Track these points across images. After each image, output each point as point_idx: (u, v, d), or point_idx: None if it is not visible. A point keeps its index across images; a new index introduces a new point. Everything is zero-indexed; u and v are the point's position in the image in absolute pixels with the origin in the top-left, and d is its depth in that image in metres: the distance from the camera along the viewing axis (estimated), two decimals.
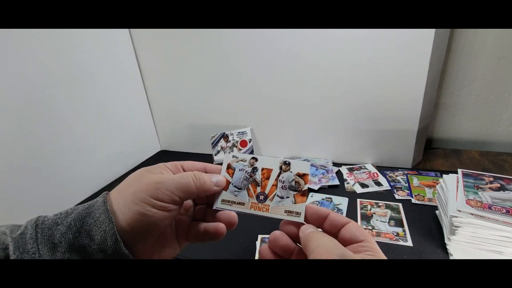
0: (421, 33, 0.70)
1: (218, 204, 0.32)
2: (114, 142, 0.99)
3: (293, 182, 0.32)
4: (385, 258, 0.25)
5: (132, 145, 1.06)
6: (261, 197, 0.33)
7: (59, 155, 0.81)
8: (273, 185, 0.33)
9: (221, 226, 0.32)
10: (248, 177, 0.33)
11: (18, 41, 0.70)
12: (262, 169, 0.33)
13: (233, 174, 0.34)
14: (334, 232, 0.28)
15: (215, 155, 1.02)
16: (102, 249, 0.25)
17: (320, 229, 0.29)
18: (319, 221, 0.29)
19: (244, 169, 0.34)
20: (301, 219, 0.30)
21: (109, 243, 0.25)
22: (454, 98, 0.95)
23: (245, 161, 0.34)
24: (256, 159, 0.34)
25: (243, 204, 0.32)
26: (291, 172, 0.33)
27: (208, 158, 1.03)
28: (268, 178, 0.33)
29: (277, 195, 0.32)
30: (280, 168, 0.33)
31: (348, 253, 0.24)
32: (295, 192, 0.32)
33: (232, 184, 0.33)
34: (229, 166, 0.34)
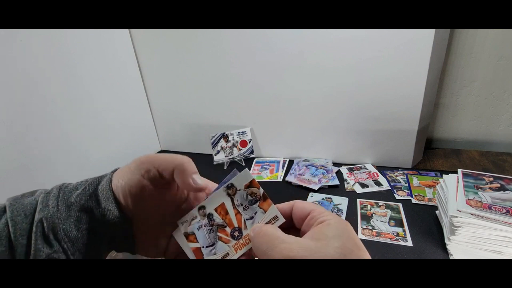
0: (421, 33, 0.70)
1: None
2: (114, 142, 0.99)
3: (248, 196, 0.30)
4: (337, 217, 0.26)
5: (132, 145, 1.06)
6: (236, 234, 0.30)
7: (58, 155, 0.81)
8: (236, 214, 0.30)
9: None
10: (210, 227, 0.31)
11: (18, 41, 0.70)
12: (216, 210, 0.31)
13: (195, 238, 0.31)
14: (303, 217, 0.28)
15: (215, 155, 1.02)
16: (104, 214, 0.29)
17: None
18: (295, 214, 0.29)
19: (201, 225, 0.31)
20: (282, 219, 0.29)
21: (110, 207, 0.29)
22: (454, 98, 0.95)
23: (195, 217, 0.31)
24: (203, 206, 0.31)
25: (227, 254, 0.30)
26: (239, 190, 0.31)
27: (208, 158, 1.04)
28: (226, 213, 0.31)
29: (246, 219, 0.30)
30: (228, 194, 0.31)
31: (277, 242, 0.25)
32: (257, 203, 0.30)
33: (204, 247, 0.30)
34: (186, 235, 0.31)
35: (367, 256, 0.25)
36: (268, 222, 0.29)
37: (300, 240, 0.24)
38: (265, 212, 0.30)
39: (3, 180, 0.68)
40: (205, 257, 0.30)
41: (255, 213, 0.30)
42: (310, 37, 0.81)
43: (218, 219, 0.31)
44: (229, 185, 0.31)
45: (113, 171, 0.32)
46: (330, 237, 0.24)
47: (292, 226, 0.29)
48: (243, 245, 0.30)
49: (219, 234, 0.30)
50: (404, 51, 0.73)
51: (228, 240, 0.30)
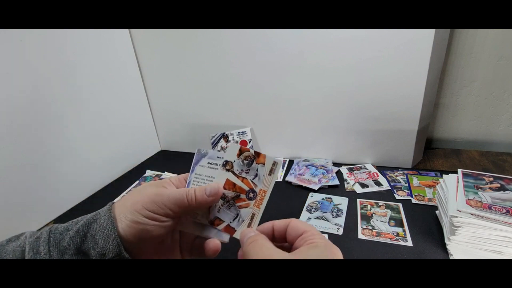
0: (421, 33, 0.70)
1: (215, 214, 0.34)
2: (114, 142, 0.99)
3: (244, 161, 0.33)
4: (327, 241, 0.26)
5: (132, 145, 1.06)
6: (251, 195, 0.33)
7: (58, 155, 0.81)
8: (242, 180, 0.33)
9: (217, 243, 0.34)
10: (227, 204, 0.34)
11: (18, 41, 0.70)
12: (224, 188, 0.33)
13: (220, 220, 0.34)
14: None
15: None
16: (103, 253, 0.27)
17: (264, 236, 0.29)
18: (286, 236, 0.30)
19: (218, 207, 0.34)
20: (280, 162, 0.33)
21: (110, 246, 0.28)
22: (454, 98, 0.95)
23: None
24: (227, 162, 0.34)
25: (254, 215, 0.33)
26: (234, 161, 0.34)
27: None
28: (234, 185, 0.33)
29: (252, 180, 0.34)
30: (228, 170, 0.34)
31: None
32: (254, 162, 0.33)
33: (231, 222, 0.33)
34: (212, 223, 0.34)
35: None
36: (270, 171, 0.33)
37: (284, 253, 0.25)
38: (264, 165, 0.33)
39: (3, 180, 0.68)
40: (236, 228, 0.33)
41: (257, 170, 0.33)
42: (310, 37, 0.80)
43: (229, 193, 0.33)
44: (224, 162, 0.34)
45: (110, 206, 0.31)
46: (310, 255, 0.24)
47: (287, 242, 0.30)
48: (261, 200, 0.33)
49: (237, 204, 0.33)
50: (404, 51, 0.73)
51: (248, 204, 0.33)
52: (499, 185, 0.56)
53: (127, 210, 0.30)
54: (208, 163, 0.36)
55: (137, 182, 0.94)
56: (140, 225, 0.29)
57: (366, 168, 0.89)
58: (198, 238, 0.35)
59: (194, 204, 0.31)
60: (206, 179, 0.35)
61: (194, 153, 0.37)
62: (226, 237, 0.34)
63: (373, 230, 0.64)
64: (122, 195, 0.87)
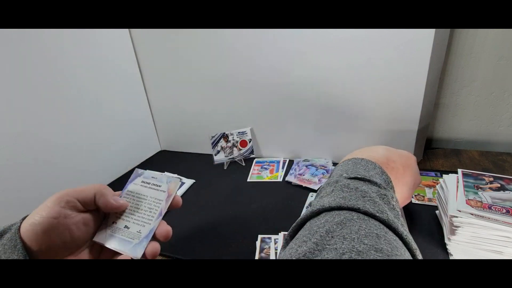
0: (421, 33, 0.70)
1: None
2: (114, 142, 0.99)
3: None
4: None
5: (132, 145, 1.06)
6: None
7: (58, 155, 0.81)
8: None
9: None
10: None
11: (18, 41, 0.70)
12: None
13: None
14: None
15: (215, 155, 1.02)
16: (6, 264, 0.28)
17: None
18: None
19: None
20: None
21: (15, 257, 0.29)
22: (454, 98, 0.95)
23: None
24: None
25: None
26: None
27: (208, 158, 1.04)
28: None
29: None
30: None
31: None
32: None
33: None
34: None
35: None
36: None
37: None
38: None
39: (3, 180, 0.68)
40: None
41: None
42: (310, 37, 0.80)
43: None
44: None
45: (22, 219, 0.34)
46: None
47: None
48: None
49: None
50: (404, 51, 0.73)
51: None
52: (499, 185, 0.56)
53: (38, 210, 0.34)
54: (142, 182, 0.41)
55: None
56: (56, 216, 0.33)
57: None
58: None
59: (106, 194, 0.36)
60: (137, 196, 0.41)
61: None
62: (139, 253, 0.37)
63: None
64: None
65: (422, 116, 0.80)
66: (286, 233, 0.33)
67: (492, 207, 0.51)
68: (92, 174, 0.91)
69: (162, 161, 1.12)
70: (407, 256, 0.26)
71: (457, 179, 0.60)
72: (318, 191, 0.38)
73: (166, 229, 0.38)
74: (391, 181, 0.38)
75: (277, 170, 0.94)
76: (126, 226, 0.38)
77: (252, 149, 1.02)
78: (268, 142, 1.03)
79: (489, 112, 0.93)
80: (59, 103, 0.80)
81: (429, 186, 0.77)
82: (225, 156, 1.02)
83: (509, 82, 0.88)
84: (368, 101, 0.83)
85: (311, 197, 0.78)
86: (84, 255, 0.37)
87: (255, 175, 0.93)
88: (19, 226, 0.31)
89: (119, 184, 0.95)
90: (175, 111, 1.11)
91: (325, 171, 0.87)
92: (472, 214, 0.51)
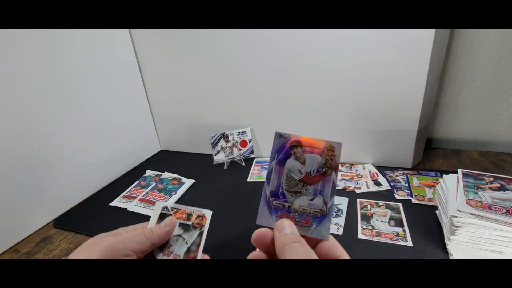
0: (421, 33, 0.70)
1: None
2: (114, 142, 0.99)
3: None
4: None
5: (132, 145, 1.06)
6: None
7: (58, 155, 0.81)
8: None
9: None
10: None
11: (18, 41, 0.70)
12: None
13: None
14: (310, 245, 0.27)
15: (215, 155, 1.02)
16: None
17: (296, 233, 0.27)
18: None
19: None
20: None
21: None
22: (454, 98, 0.95)
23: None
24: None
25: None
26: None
27: (208, 158, 1.04)
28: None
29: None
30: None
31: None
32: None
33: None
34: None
35: None
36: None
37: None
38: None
39: (4, 181, 0.68)
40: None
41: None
42: (310, 37, 0.80)
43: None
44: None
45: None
46: None
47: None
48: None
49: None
50: (404, 51, 0.73)
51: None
52: (499, 185, 0.56)
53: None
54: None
55: (137, 182, 0.94)
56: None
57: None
58: None
59: (152, 237, 0.34)
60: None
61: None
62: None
63: (373, 230, 0.64)
64: (121, 195, 0.87)
65: (422, 116, 0.80)
66: None
67: (492, 207, 0.51)
68: (92, 174, 0.91)
69: (162, 161, 1.12)
70: None
71: (457, 179, 0.60)
72: None
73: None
74: None
75: None
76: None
77: (252, 149, 1.02)
78: (268, 142, 1.03)
79: (489, 112, 0.93)
80: (58, 103, 0.80)
81: (429, 186, 0.77)
82: (225, 156, 1.02)
83: (509, 82, 0.88)
84: (368, 101, 0.83)
85: None
86: None
87: (255, 175, 0.93)
88: None
89: (119, 184, 0.95)
90: (175, 111, 1.11)
91: None
92: (472, 214, 0.51)
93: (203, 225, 0.38)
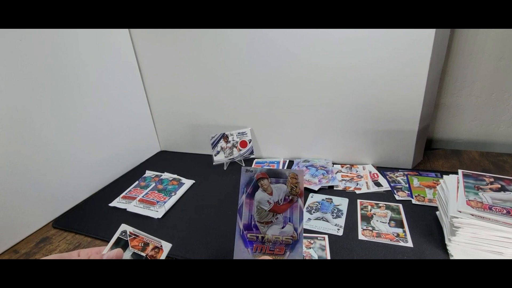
0: (421, 33, 0.70)
1: None
2: (114, 143, 0.99)
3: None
4: None
5: (132, 146, 1.06)
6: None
7: (58, 155, 0.81)
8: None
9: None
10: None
11: (18, 41, 0.70)
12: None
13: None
14: None
15: (215, 155, 1.02)
16: None
17: None
18: None
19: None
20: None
21: None
22: (454, 98, 0.95)
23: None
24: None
25: None
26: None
27: (208, 159, 1.03)
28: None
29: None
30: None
31: None
32: None
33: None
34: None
35: None
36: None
37: None
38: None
39: (3, 181, 0.68)
40: None
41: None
42: (310, 37, 0.80)
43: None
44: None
45: None
46: None
47: None
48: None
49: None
50: (404, 51, 0.73)
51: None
52: (499, 186, 0.56)
53: None
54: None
55: (136, 182, 0.94)
56: None
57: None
58: None
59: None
60: None
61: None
62: None
63: (373, 231, 0.63)
64: (121, 195, 0.87)
65: (422, 116, 0.80)
66: None
67: (492, 208, 0.51)
68: (92, 174, 0.91)
69: (161, 161, 1.12)
70: None
71: (458, 179, 0.60)
72: None
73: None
74: None
75: None
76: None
77: (252, 150, 1.02)
78: (268, 142, 1.03)
79: (490, 113, 0.93)
80: (58, 103, 0.80)
81: (430, 187, 0.77)
82: (225, 157, 1.02)
83: (510, 82, 0.88)
84: (368, 101, 0.83)
85: (311, 198, 0.78)
86: None
87: None
88: None
89: (119, 184, 0.95)
90: (175, 111, 1.11)
91: (325, 172, 0.87)
92: (472, 215, 0.51)
93: (157, 259, 0.36)
